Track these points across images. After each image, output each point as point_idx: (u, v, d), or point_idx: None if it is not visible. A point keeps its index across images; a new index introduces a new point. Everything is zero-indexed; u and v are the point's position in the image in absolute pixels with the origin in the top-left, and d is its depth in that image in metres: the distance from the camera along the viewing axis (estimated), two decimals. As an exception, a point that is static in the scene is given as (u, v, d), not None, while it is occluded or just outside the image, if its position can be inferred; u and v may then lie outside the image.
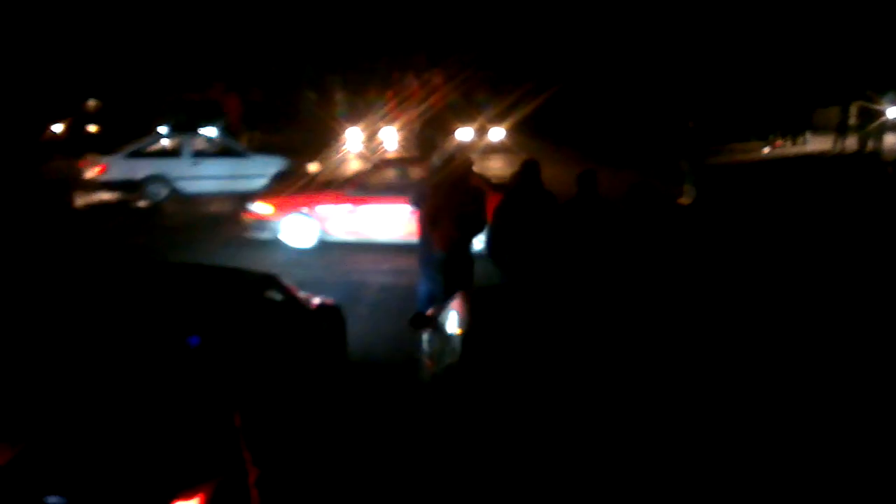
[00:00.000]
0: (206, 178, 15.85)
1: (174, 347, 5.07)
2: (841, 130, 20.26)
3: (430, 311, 6.42)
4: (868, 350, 6.55)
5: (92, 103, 23.81)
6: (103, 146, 16.57)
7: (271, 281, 6.63)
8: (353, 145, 21.28)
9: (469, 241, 7.56)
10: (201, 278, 6.54)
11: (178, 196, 15.74)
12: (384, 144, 21.65)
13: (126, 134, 16.97)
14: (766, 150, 21.76)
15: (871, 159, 18.68)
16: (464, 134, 22.66)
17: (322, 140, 22.12)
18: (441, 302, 6.58)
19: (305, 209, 11.71)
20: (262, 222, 11.85)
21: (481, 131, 23.77)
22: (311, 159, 17.58)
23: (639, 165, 17.96)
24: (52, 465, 4.02)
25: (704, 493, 4.05)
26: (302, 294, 6.90)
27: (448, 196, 7.42)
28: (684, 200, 14.80)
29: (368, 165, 14.91)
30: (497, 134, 24.00)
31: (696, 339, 5.03)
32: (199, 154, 16.07)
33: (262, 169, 15.92)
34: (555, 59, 28.02)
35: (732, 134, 23.01)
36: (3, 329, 5.14)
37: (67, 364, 4.77)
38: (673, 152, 15.55)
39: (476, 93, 26.46)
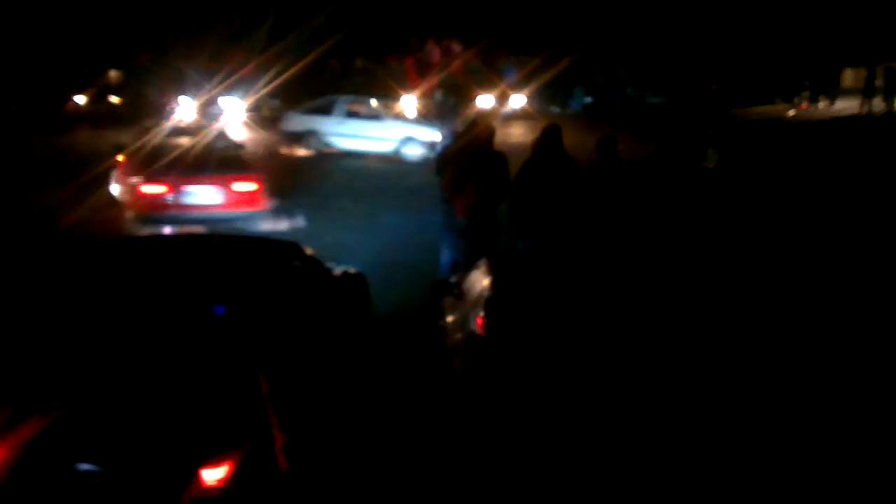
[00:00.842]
0: (349, 136, 17.30)
1: (200, 316, 5.11)
2: (867, 92, 19.90)
3: (453, 278, 6.43)
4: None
5: (113, 74, 23.87)
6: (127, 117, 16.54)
7: (295, 249, 6.65)
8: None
9: (493, 208, 7.53)
10: (227, 247, 6.59)
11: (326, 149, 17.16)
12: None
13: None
14: (792, 112, 21.44)
15: None
16: (485, 101, 22.51)
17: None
18: (463, 269, 6.58)
19: None
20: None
21: (502, 98, 23.62)
22: None
23: (662, 130, 17.76)
24: (83, 433, 4.09)
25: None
26: (326, 262, 6.93)
27: (470, 163, 7.38)
28: (708, 164, 14.65)
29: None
30: (518, 101, 23.83)
31: (709, 318, 5.01)
32: (350, 115, 17.55)
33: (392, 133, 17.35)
34: (576, 25, 27.64)
35: (756, 96, 22.67)
36: (37, 298, 5.21)
37: (97, 333, 4.83)
38: (697, 116, 15.38)
39: (497, 60, 26.26)
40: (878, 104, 19.42)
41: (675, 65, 25.20)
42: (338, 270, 7.09)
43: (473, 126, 7.80)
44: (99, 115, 22.40)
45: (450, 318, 5.84)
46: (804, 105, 21.52)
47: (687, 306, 4.89)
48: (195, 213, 10.12)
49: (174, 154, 10.66)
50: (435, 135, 16.50)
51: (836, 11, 23.91)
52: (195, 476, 3.96)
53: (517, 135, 19.25)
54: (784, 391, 4.51)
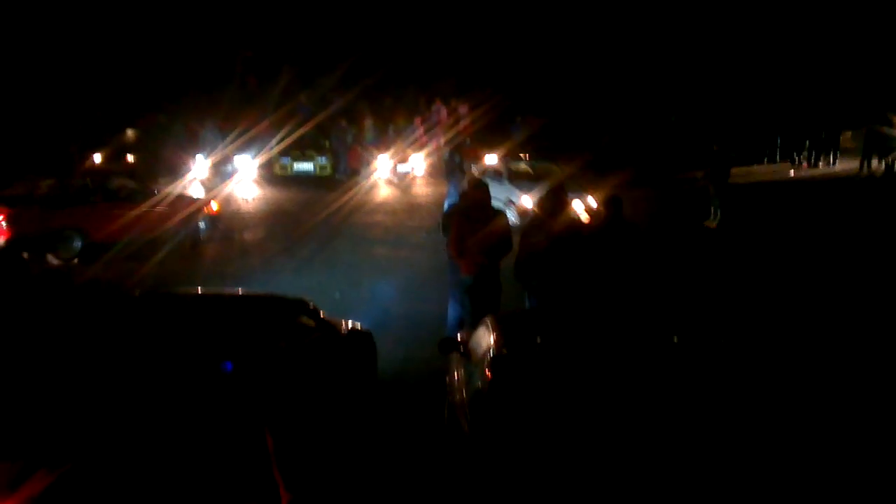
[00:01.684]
0: None
1: (209, 372, 5.18)
2: (867, 153, 20.02)
3: (459, 336, 6.50)
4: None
5: (130, 133, 24.29)
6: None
7: (303, 306, 6.74)
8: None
9: (496, 266, 7.63)
10: (236, 305, 6.69)
11: None
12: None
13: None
14: (793, 172, 21.60)
15: None
16: (491, 160, 22.80)
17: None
18: (469, 326, 6.64)
19: None
20: None
21: (506, 157, 23.90)
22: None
23: (662, 188, 17.92)
24: (89, 490, 4.13)
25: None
26: (333, 319, 7.01)
27: (473, 221, 7.50)
28: (710, 223, 14.77)
29: None
30: (521, 159, 24.13)
31: (724, 369, 5.05)
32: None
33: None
34: (578, 84, 28.13)
35: (756, 156, 22.90)
36: (46, 353, 5.30)
37: (106, 388, 4.89)
38: (698, 175, 15.56)
39: (502, 119, 26.66)
40: (876, 165, 19.56)
41: (675, 124, 25.52)
42: (345, 327, 7.17)
43: (477, 185, 7.94)
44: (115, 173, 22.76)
45: (456, 376, 5.89)
46: (805, 165, 21.69)
47: (693, 369, 4.93)
48: None
49: None
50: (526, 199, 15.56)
51: (836, 74, 24.27)
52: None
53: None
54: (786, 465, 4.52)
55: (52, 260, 12.76)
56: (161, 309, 6.38)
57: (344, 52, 28.16)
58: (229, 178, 21.09)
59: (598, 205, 13.01)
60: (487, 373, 4.97)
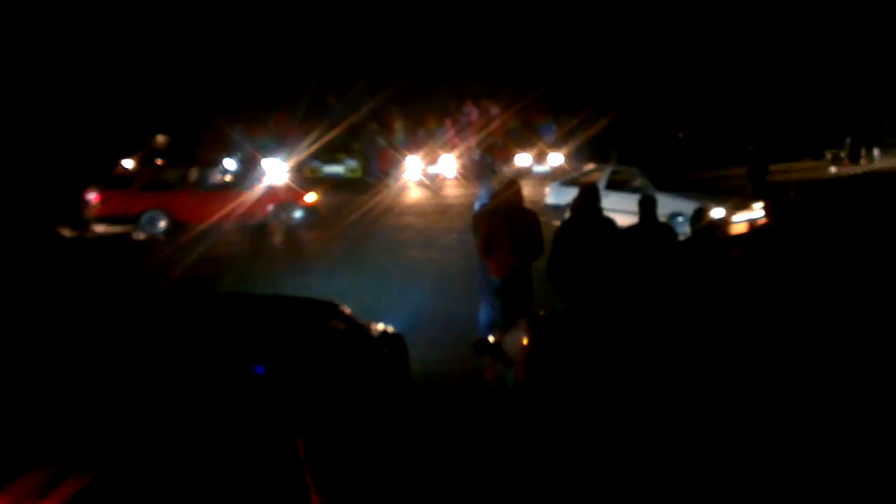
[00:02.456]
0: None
1: (241, 376, 5.15)
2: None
3: (491, 337, 6.42)
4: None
5: (161, 139, 24.56)
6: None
7: (334, 309, 6.70)
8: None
9: (526, 267, 7.55)
10: (267, 308, 6.66)
11: None
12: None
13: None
14: (834, 168, 21.25)
15: None
16: (523, 160, 22.70)
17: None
18: (501, 328, 6.57)
19: None
20: None
21: (540, 157, 23.78)
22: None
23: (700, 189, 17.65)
24: (121, 494, 4.11)
25: None
26: (364, 321, 6.96)
27: (502, 223, 7.42)
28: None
29: None
30: (556, 159, 23.97)
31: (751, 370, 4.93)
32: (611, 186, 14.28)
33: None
34: (614, 84, 27.91)
35: (796, 152, 22.56)
36: (79, 357, 5.30)
37: (137, 392, 4.88)
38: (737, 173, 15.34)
39: (535, 119, 26.58)
40: None
41: (713, 123, 25.25)
42: (376, 329, 7.12)
43: (508, 186, 7.85)
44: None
45: (490, 377, 5.83)
46: (846, 162, 21.34)
47: (722, 368, 4.83)
48: None
49: None
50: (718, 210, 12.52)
51: (877, 70, 23.87)
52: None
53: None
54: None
55: (139, 235, 15.48)
56: (192, 312, 6.37)
57: (374, 54, 28.26)
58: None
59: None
60: (521, 374, 4.90)
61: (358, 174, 24.02)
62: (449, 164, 23.71)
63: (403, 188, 22.19)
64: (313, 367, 5.74)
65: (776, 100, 24.34)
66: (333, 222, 16.94)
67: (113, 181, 16.99)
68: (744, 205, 13.10)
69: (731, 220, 12.19)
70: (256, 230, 15.86)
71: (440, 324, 9.15)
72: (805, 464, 4.22)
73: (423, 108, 28.11)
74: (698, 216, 7.13)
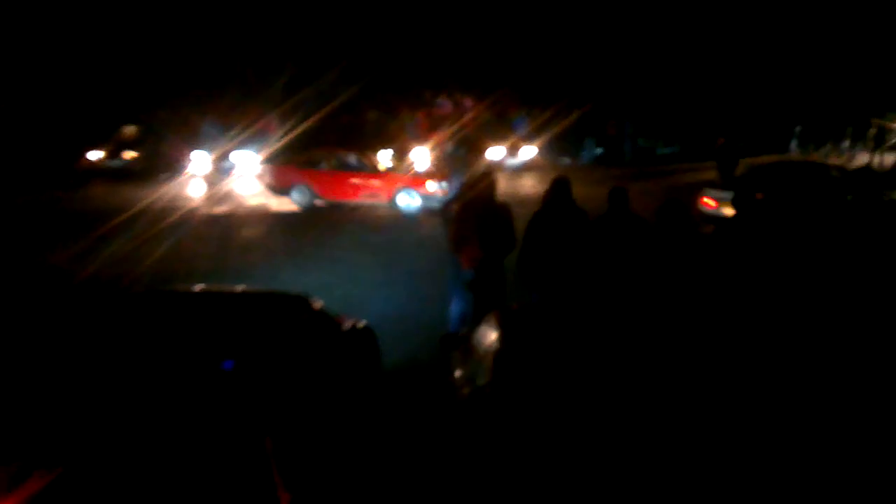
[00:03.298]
0: None
1: (209, 371, 5.09)
2: (877, 145, 19.96)
3: (461, 332, 6.38)
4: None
5: (129, 129, 24.23)
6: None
7: (304, 303, 6.64)
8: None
9: (499, 260, 7.51)
10: (236, 302, 6.58)
11: None
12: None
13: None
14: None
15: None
16: (495, 153, 22.69)
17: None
18: (472, 322, 6.53)
19: None
20: None
21: (513, 150, 23.79)
22: None
23: (670, 181, 17.79)
24: (86, 492, 4.04)
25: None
26: (334, 315, 6.91)
27: (473, 215, 7.38)
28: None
29: None
30: (529, 152, 23.99)
31: (724, 357, 4.93)
32: None
33: None
34: (587, 77, 27.98)
35: (763, 148, 22.78)
36: (43, 353, 5.21)
37: (103, 388, 4.80)
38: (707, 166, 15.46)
39: (508, 111, 26.58)
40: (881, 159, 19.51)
41: (686, 116, 25.39)
42: (347, 323, 7.07)
43: (480, 178, 7.79)
44: (114, 170, 22.73)
45: (458, 373, 5.78)
46: (814, 156, 21.62)
47: (698, 361, 4.82)
48: None
49: None
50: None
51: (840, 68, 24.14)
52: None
53: (528, 186, 19.33)
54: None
55: (293, 203, 18.82)
56: (159, 307, 6.27)
57: (347, 45, 28.06)
58: (230, 174, 21.10)
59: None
60: (490, 369, 4.86)
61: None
62: (422, 157, 23.66)
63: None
64: (283, 361, 5.68)
65: (745, 94, 24.53)
66: (305, 215, 16.82)
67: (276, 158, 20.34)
68: None
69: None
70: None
71: (411, 318, 9.11)
72: (789, 463, 4.22)
73: (396, 101, 28.00)
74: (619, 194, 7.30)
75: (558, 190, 7.48)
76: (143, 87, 25.33)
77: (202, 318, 5.89)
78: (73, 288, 10.43)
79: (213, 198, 19.78)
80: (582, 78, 27.93)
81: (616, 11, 27.92)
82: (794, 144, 22.02)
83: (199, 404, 4.74)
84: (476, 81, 27.79)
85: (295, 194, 18.76)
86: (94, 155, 22.42)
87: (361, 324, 7.32)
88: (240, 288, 8.13)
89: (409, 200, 17.97)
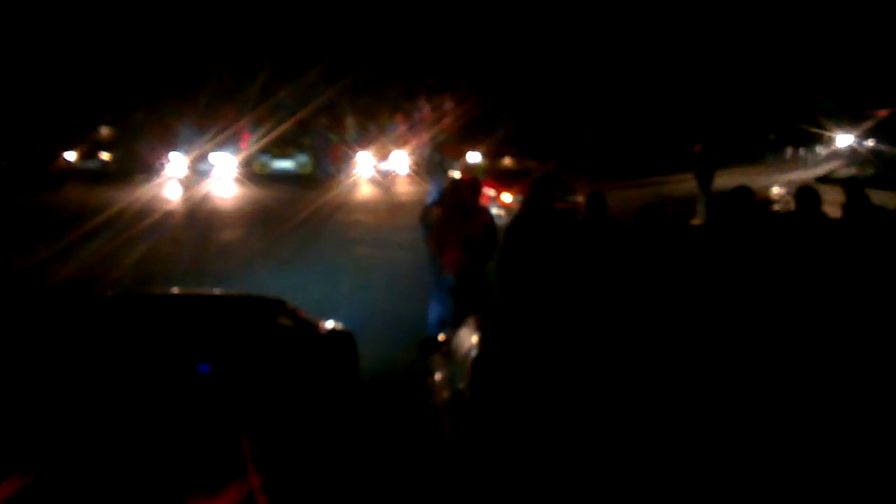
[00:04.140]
0: None
1: (185, 374, 5.06)
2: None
3: (440, 336, 6.38)
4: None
5: (105, 130, 24.02)
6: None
7: (281, 306, 6.62)
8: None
9: (480, 265, 7.51)
10: (214, 305, 6.55)
11: None
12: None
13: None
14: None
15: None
16: (473, 157, 22.71)
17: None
18: (451, 326, 6.53)
19: None
20: None
21: (491, 154, 23.82)
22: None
23: (650, 186, 17.92)
24: (63, 492, 4.02)
25: None
26: (313, 318, 6.89)
27: (455, 220, 7.38)
28: (697, 221, 14.76)
29: None
30: (506, 156, 24.04)
31: (708, 363, 4.96)
32: None
33: None
34: (564, 83, 28.12)
35: (744, 154, 23.00)
36: (19, 355, 5.16)
37: (80, 391, 4.77)
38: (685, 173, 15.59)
39: (487, 116, 26.62)
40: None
41: (663, 124, 25.57)
42: (325, 327, 7.05)
43: (467, 184, 7.82)
44: (89, 171, 22.52)
45: (437, 377, 5.77)
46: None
47: (677, 366, 4.85)
48: None
49: None
50: None
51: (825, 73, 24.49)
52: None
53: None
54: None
55: None
56: (135, 310, 6.23)
57: (325, 47, 28.00)
58: (207, 176, 20.95)
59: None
60: (469, 373, 4.86)
61: (309, 170, 23.76)
62: (401, 161, 23.60)
63: (355, 185, 22.02)
64: (260, 364, 5.66)
65: (728, 102, 24.74)
66: (283, 218, 16.74)
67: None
68: None
69: None
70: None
71: (390, 322, 9.09)
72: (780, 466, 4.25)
73: (375, 104, 27.94)
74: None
75: (537, 193, 7.47)
76: (119, 88, 25.12)
77: (178, 322, 5.87)
78: (47, 291, 10.32)
79: (191, 199, 19.66)
80: (561, 83, 28.08)
81: (588, 20, 28.14)
82: (768, 152, 22.33)
83: (175, 407, 4.72)
84: (454, 85, 27.84)
85: None
86: (70, 156, 22.20)
87: (340, 326, 7.31)
88: (216, 291, 8.10)
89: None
